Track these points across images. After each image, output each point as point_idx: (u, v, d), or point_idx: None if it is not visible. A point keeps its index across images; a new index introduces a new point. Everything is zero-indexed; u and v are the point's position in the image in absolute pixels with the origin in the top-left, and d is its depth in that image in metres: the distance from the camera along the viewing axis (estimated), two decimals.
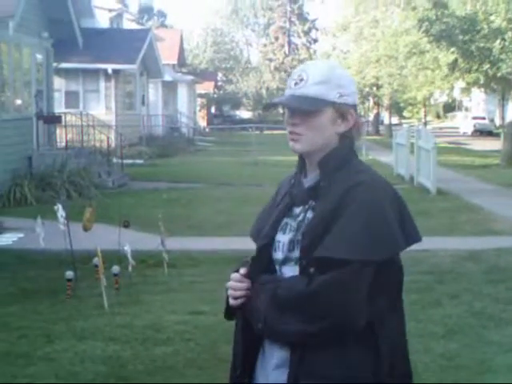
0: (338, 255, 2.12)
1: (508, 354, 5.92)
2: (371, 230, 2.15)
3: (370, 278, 2.15)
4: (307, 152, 2.30)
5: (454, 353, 5.93)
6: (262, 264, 2.32)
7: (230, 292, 2.32)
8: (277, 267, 2.31)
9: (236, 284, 2.31)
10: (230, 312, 2.40)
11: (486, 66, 25.15)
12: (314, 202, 2.25)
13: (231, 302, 2.32)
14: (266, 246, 2.34)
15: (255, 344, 2.34)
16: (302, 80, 2.27)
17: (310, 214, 2.25)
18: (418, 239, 2.27)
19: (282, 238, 2.30)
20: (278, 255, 2.31)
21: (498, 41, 23.11)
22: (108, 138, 21.69)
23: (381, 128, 57.51)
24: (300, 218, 2.28)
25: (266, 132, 47.82)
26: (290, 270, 2.25)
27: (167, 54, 41.94)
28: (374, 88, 47.20)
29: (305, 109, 2.24)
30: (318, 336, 2.14)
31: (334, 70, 2.31)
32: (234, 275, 2.32)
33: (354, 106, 2.31)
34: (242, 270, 2.32)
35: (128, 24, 42.90)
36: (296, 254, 2.24)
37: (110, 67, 28.29)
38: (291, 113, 2.28)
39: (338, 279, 2.12)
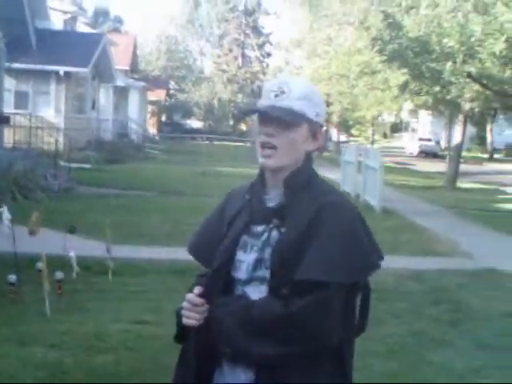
0: (319, 277, 2.10)
1: (447, 376, 6.03)
2: (348, 252, 2.15)
3: (344, 297, 2.17)
4: (277, 168, 2.26)
5: (393, 372, 6.00)
6: (218, 283, 2.27)
7: (185, 313, 2.23)
8: (238, 287, 2.26)
9: (191, 307, 2.22)
10: (182, 335, 2.33)
11: (437, 89, 25.55)
12: (279, 221, 2.21)
13: (186, 322, 2.23)
14: (224, 265, 2.28)
15: (210, 366, 2.29)
16: (283, 92, 2.25)
17: (274, 234, 2.21)
18: (382, 257, 2.31)
19: (245, 258, 2.25)
20: (241, 275, 2.25)
21: (450, 63, 23.50)
22: (56, 140, 21.47)
23: (329, 145, 57.99)
24: (264, 237, 2.23)
25: (215, 143, 47.83)
26: (255, 290, 2.21)
27: (120, 59, 41.71)
28: (326, 105, 47.55)
29: (287, 120, 2.22)
30: (293, 357, 2.12)
31: (312, 88, 2.33)
32: (190, 297, 2.23)
33: (323, 126, 2.36)
34: (197, 290, 2.22)
35: (82, 27, 42.53)
36: (261, 273, 2.21)
37: (62, 69, 28.06)
38: (268, 123, 2.23)
39: (319, 302, 2.10)
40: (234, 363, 2.22)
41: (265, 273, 2.20)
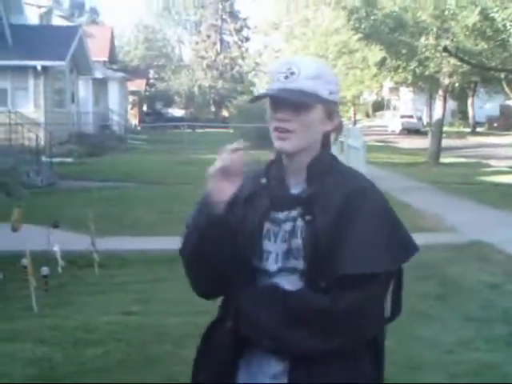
0: (366, 270, 2.02)
1: (436, 350, 6.07)
2: (389, 238, 2.07)
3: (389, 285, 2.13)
4: (295, 152, 2.14)
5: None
6: (243, 273, 2.15)
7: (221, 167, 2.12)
8: (264, 278, 2.14)
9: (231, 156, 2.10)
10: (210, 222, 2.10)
11: (414, 65, 25.59)
12: (304, 209, 2.11)
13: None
14: (251, 254, 2.15)
15: (234, 357, 2.16)
16: (292, 74, 2.12)
17: (300, 223, 2.10)
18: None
19: (272, 248, 2.14)
20: (269, 266, 2.14)
21: (423, 37, 23.53)
22: (37, 136, 21.36)
23: None
24: (287, 225, 2.13)
25: (198, 130, 47.69)
26: (287, 281, 2.11)
27: (98, 51, 41.47)
28: None
29: (300, 103, 2.10)
30: (336, 351, 2.05)
31: (323, 66, 2.21)
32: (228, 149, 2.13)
33: (338, 104, 2.22)
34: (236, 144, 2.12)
35: (58, 21, 42.24)
36: (291, 264, 2.11)
37: (39, 64, 27.82)
38: (281, 108, 2.12)
39: (369, 296, 2.03)
40: (264, 355, 2.11)
41: (295, 263, 2.10)
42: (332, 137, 2.22)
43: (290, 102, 2.10)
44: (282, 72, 2.14)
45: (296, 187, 2.16)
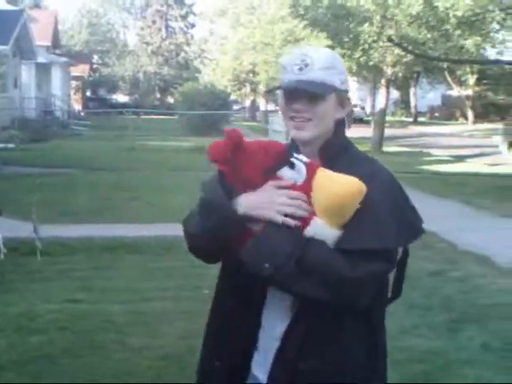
0: (379, 245, 2.09)
1: None
2: (401, 217, 2.16)
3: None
4: (310, 140, 2.24)
5: None
6: None
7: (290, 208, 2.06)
8: None
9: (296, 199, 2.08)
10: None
11: (358, 54, 25.78)
12: None
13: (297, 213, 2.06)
14: None
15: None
16: (306, 65, 2.20)
17: None
18: (422, 221, 2.30)
19: None
20: None
21: (367, 24, 23.67)
22: None
23: (257, 114, 58.08)
24: None
25: (143, 117, 47.36)
26: None
27: (41, 36, 40.79)
28: (251, 75, 47.57)
29: (317, 94, 2.18)
30: (329, 305, 2.09)
31: (334, 56, 2.29)
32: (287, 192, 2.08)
33: (349, 93, 2.33)
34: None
35: (2, 4, 41.37)
36: None
37: None
38: (297, 99, 2.20)
39: (382, 270, 2.14)
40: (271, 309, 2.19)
41: None
42: (345, 123, 2.33)
43: (305, 94, 2.18)
44: (296, 64, 2.21)
45: None
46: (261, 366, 2.23)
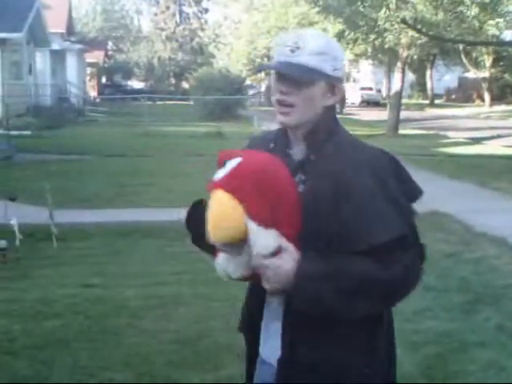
0: (392, 234, 2.08)
1: (395, 320, 6.14)
2: (392, 205, 2.11)
3: None
4: (296, 125, 2.20)
5: None
6: None
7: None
8: None
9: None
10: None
11: (373, 37, 25.60)
12: (304, 175, 2.17)
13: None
14: None
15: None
16: (298, 48, 2.14)
17: (300, 188, 2.14)
18: (421, 192, 2.31)
19: None
20: None
21: (384, 9, 23.51)
22: None
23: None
24: None
25: (158, 102, 47.36)
26: None
27: (55, 23, 40.79)
28: (266, 59, 47.46)
29: (303, 79, 2.13)
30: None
31: (330, 42, 2.22)
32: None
33: (342, 80, 2.25)
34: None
35: None
36: None
37: None
38: (283, 81, 2.16)
39: (412, 259, 2.16)
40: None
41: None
42: (335, 108, 2.29)
43: (292, 77, 2.13)
44: (288, 45, 2.16)
45: (298, 155, 2.22)
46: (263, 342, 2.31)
